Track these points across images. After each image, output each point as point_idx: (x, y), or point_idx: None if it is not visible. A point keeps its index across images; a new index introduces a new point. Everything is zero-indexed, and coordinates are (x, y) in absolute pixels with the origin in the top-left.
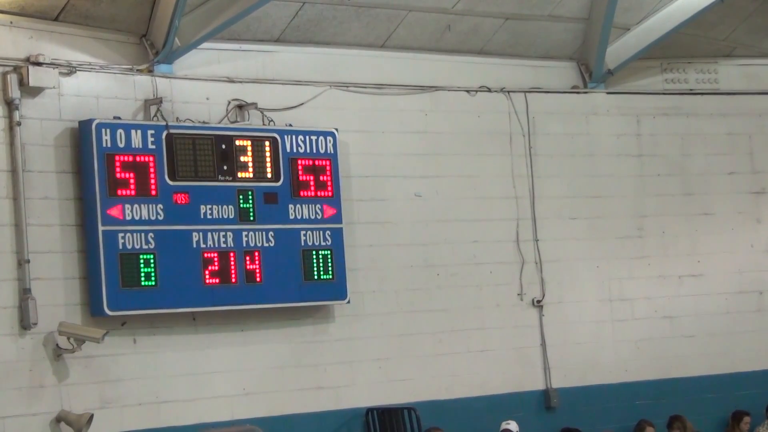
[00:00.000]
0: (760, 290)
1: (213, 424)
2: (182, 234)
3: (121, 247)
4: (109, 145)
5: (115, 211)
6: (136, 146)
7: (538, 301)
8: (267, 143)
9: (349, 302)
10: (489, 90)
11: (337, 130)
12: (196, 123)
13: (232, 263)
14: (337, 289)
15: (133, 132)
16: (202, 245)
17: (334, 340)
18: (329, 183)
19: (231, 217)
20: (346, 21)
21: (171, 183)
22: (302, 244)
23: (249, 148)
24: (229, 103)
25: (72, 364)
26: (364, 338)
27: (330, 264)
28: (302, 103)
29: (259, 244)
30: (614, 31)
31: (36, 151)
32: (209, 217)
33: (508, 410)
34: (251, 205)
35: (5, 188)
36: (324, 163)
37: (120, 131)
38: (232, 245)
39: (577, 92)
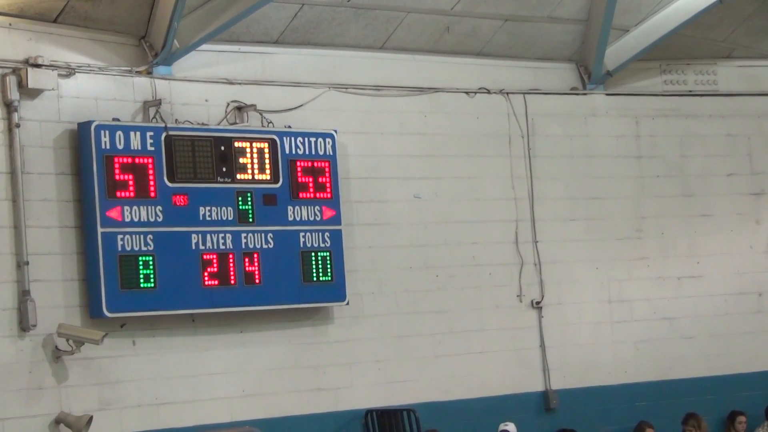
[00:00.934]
0: (759, 291)
1: (212, 426)
2: (181, 236)
3: (120, 248)
4: (108, 146)
5: (114, 213)
6: (135, 148)
7: (538, 303)
8: (266, 145)
9: (348, 304)
10: (488, 91)
11: (336, 131)
12: (195, 125)
13: (231, 265)
14: (336, 291)
15: (132, 134)
16: (201, 247)
17: (334, 342)
18: (328, 184)
19: (230, 218)
20: (345, 22)
21: (170, 185)
22: (301, 245)
23: (248, 150)
24: (228, 104)
25: (71, 365)
26: (363, 340)
27: (329, 265)
28: (301, 105)
29: (258, 246)
30: (613, 33)
31: (35, 152)
32: (208, 218)
33: (507, 412)
34: (250, 207)
35: (4, 190)
36: (323, 164)
37: (119, 133)
38: (231, 247)
39: (576, 94)
